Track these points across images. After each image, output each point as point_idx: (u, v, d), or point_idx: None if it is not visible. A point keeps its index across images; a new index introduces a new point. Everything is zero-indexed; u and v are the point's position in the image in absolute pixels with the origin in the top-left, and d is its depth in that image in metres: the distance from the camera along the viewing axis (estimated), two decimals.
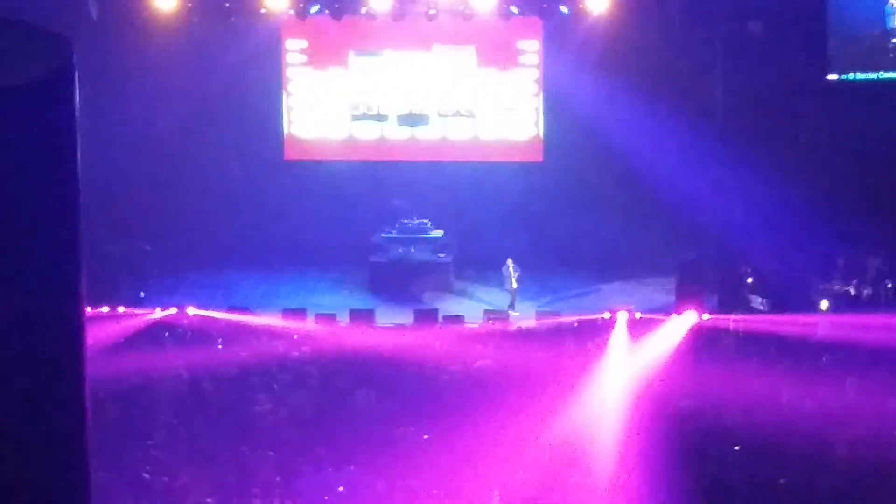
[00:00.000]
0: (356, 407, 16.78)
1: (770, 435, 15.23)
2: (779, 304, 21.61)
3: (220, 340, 19.77)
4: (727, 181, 22.57)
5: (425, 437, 15.59)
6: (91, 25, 22.92)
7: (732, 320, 20.80)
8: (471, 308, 22.71)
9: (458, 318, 21.60)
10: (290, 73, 25.18)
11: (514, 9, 23.98)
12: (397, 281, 23.89)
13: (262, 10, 23.76)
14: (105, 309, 20.66)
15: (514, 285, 23.03)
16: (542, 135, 25.20)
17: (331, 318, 21.47)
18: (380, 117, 25.18)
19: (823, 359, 18.34)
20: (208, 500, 14.10)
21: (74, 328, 2.70)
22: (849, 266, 22.67)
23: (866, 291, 22.39)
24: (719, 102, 23.89)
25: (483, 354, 18.90)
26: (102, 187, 21.07)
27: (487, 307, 22.70)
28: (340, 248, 24.57)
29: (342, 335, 20.22)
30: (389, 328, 21.15)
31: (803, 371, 17.37)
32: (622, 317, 20.71)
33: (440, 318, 21.69)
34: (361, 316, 21.55)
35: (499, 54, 24.93)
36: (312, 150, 25.50)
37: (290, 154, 25.48)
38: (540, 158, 25.32)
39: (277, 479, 14.63)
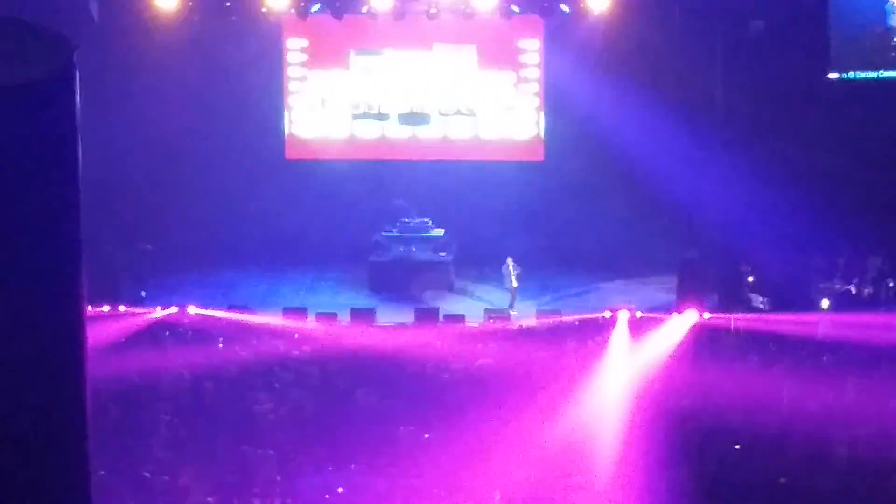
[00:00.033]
0: (357, 406, 16.78)
1: (770, 434, 15.24)
2: (779, 303, 21.61)
3: (220, 340, 19.77)
4: (728, 180, 22.55)
5: (426, 436, 15.60)
6: (92, 25, 22.94)
7: (733, 319, 20.79)
8: (471, 307, 22.71)
9: (458, 317, 21.59)
10: (291, 72, 25.18)
11: (514, 8, 23.99)
12: (398, 280, 23.89)
13: (263, 10, 23.77)
14: (106, 308, 20.67)
15: (514, 284, 23.02)
16: (542, 134, 25.20)
17: (331, 317, 21.47)
18: (381, 116, 25.17)
19: (824, 358, 18.34)
20: (209, 499, 14.10)
21: (75, 327, 2.71)
22: (849, 265, 22.67)
23: (867, 290, 22.39)
24: (720, 101, 23.88)
25: (484, 353, 18.90)
26: (103, 186, 21.06)
27: (488, 306, 22.69)
28: (341, 247, 24.56)
29: (343, 334, 20.22)
30: (390, 327, 21.15)
31: (804, 370, 17.37)
32: (623, 316, 20.71)
33: (441, 317, 21.68)
34: (362, 315, 21.55)
35: (500, 53, 24.92)
36: (313, 149, 25.50)
37: (291, 153, 25.48)
38: (541, 157, 25.32)
39: (278, 478, 14.63)
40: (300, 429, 16.04)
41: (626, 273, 24.13)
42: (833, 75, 23.85)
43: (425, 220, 24.76)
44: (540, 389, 16.50)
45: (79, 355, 2.71)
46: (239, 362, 18.35)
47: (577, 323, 20.98)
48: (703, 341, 19.65)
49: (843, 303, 21.74)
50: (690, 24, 23.75)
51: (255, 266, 24.42)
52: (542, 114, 25.10)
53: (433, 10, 23.66)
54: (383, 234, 24.70)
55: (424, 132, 25.22)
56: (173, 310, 21.15)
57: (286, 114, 25.26)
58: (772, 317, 20.66)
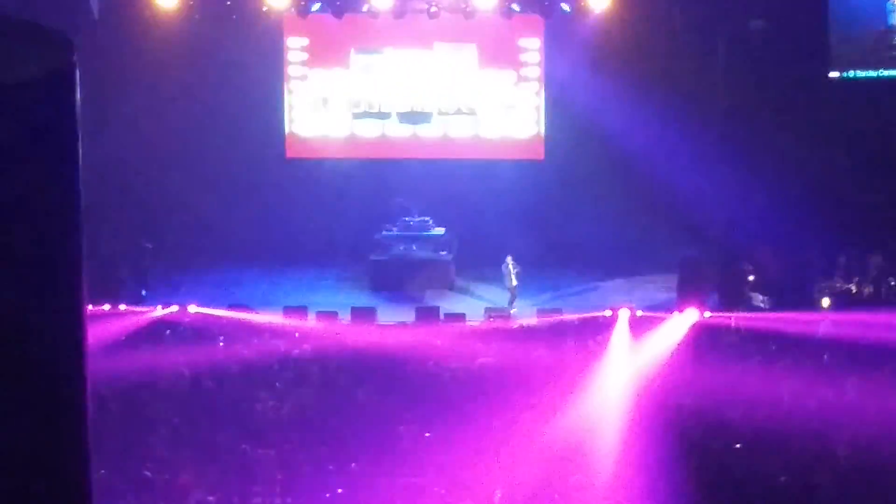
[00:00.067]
0: (357, 405, 16.78)
1: (771, 433, 15.24)
2: (780, 302, 21.61)
3: (221, 338, 19.78)
4: (728, 178, 22.56)
5: (427, 434, 15.60)
6: (92, 24, 22.93)
7: (734, 318, 20.79)
8: (472, 305, 22.70)
9: (459, 316, 21.60)
10: (291, 71, 25.19)
11: (515, 7, 24.00)
12: (398, 279, 23.89)
13: (264, 9, 23.78)
14: (106, 307, 20.67)
15: (514, 283, 23.02)
16: (543, 133, 25.20)
17: (332, 315, 21.47)
18: (381, 115, 25.18)
19: (825, 357, 18.34)
20: (210, 498, 14.11)
21: (75, 326, 2.70)
22: (850, 264, 22.66)
23: (868, 289, 22.38)
24: (721, 100, 23.88)
25: (484, 352, 18.90)
26: (104, 185, 21.10)
27: (489, 305, 22.69)
28: (342, 246, 24.57)
29: (343, 333, 20.23)
30: (391, 326, 21.15)
31: (804, 369, 17.37)
32: (623, 314, 20.70)
33: (441, 316, 21.69)
34: (363, 314, 21.55)
35: (500, 52, 24.93)
36: (314, 148, 25.50)
37: (291, 152, 25.49)
38: (541, 156, 25.32)
39: (279, 477, 14.64)
40: (301, 428, 16.05)
41: (627, 272, 24.12)
42: (833, 74, 23.85)
43: (426, 218, 24.75)
44: (540, 388, 16.51)
45: (79, 354, 2.71)
46: (240, 361, 18.35)
47: (577, 322, 20.97)
48: (703, 340, 19.65)
49: (844, 301, 21.74)
50: (691, 24, 23.76)
51: (255, 265, 24.41)
52: (542, 112, 25.10)
53: (434, 9, 23.67)
54: (384, 232, 24.70)
55: (425, 131, 25.23)
56: (174, 308, 21.15)
57: (286, 112, 25.27)
58: (772, 316, 20.66)
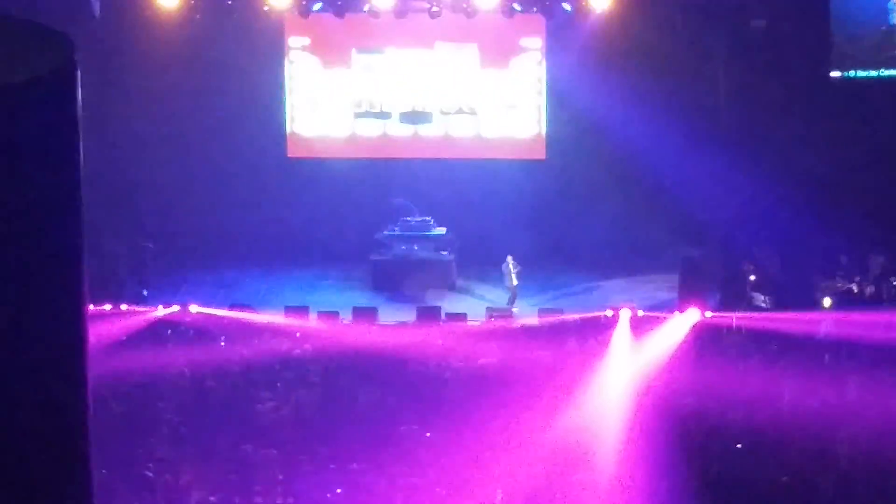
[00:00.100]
0: (359, 405, 16.78)
1: (772, 433, 15.23)
2: (781, 302, 21.59)
3: (222, 338, 19.78)
4: (730, 178, 22.55)
5: (428, 434, 15.60)
6: (93, 23, 22.92)
7: (735, 318, 20.78)
8: (473, 305, 22.70)
9: (460, 316, 21.59)
10: (292, 70, 25.17)
11: (516, 6, 23.97)
12: (400, 278, 23.87)
13: (265, 8, 23.76)
14: (108, 307, 20.67)
15: (515, 282, 23.00)
16: (544, 132, 25.18)
17: (333, 315, 21.47)
18: (382, 115, 25.16)
19: (826, 357, 18.33)
20: (211, 497, 14.11)
21: (77, 326, 2.70)
22: (852, 263, 22.65)
23: (869, 289, 22.37)
24: (722, 100, 23.87)
25: (486, 352, 18.90)
26: (105, 185, 21.08)
27: (490, 304, 22.68)
28: (343, 246, 24.54)
29: (345, 333, 20.23)
30: (392, 326, 21.14)
31: (806, 369, 17.36)
32: (625, 314, 20.69)
33: (443, 316, 21.68)
34: (364, 314, 21.55)
35: (501, 52, 24.91)
36: (315, 147, 25.49)
37: (292, 151, 25.47)
38: (542, 156, 25.30)
39: (280, 477, 14.64)
40: (302, 427, 16.05)
41: (628, 271, 24.10)
42: (835, 74, 23.83)
43: (427, 218, 24.73)
44: (541, 388, 16.50)
45: (80, 354, 2.70)
46: (241, 361, 18.36)
47: (578, 322, 20.96)
48: (704, 340, 19.64)
49: (846, 301, 21.72)
50: (692, 23, 23.74)
51: (256, 264, 24.40)
52: (543, 112, 25.09)
53: (435, 9, 23.65)
54: (385, 232, 24.67)
55: (426, 130, 25.22)
56: (175, 308, 21.15)
57: (288, 112, 25.26)
58: (774, 315, 20.65)
